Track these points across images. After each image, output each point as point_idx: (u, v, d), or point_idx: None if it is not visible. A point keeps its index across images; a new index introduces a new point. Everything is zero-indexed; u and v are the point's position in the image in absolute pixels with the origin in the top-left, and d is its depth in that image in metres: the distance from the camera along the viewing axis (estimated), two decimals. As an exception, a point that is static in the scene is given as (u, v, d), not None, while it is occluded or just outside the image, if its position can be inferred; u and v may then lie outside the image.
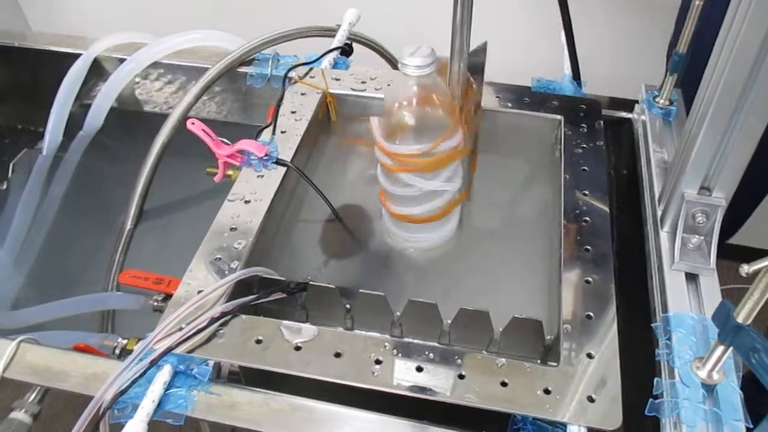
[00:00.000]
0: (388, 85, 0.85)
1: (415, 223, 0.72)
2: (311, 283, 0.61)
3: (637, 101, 0.84)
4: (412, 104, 0.64)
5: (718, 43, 0.54)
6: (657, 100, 0.80)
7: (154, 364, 0.55)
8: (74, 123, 0.99)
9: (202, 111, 1.01)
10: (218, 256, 0.64)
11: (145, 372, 0.54)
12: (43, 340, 0.63)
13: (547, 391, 0.53)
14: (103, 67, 1.00)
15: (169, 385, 0.55)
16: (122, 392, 0.54)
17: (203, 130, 0.73)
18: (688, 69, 0.74)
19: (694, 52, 0.72)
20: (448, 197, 0.70)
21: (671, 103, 0.79)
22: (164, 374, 0.55)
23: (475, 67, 0.72)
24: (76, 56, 0.98)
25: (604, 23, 1.13)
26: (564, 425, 0.51)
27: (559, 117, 0.80)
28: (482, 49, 0.72)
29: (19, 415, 0.63)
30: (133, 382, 0.54)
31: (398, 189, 0.68)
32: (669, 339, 0.55)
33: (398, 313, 0.59)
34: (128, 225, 0.85)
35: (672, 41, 0.93)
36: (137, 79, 1.00)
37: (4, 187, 0.96)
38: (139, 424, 0.52)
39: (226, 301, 0.59)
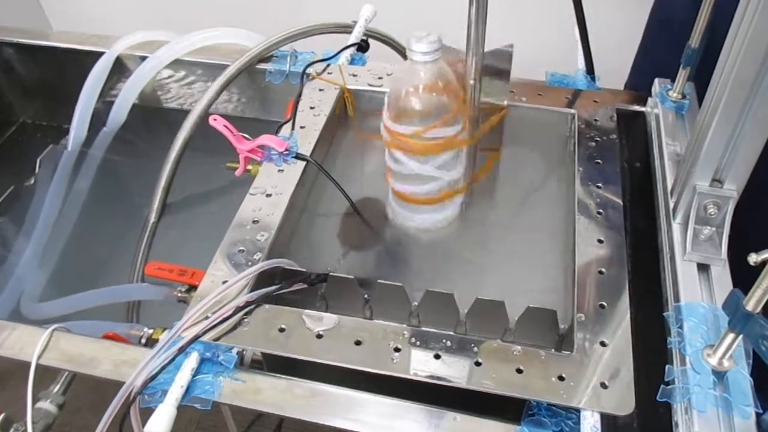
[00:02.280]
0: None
1: (411, 203, 0.74)
2: (331, 274, 0.62)
3: (650, 95, 0.85)
4: (418, 90, 0.66)
5: (729, 35, 0.55)
6: (670, 93, 0.80)
7: (183, 351, 0.57)
8: (98, 119, 1.02)
9: (222, 107, 1.03)
10: (241, 248, 0.66)
11: (173, 359, 0.57)
12: (73, 330, 0.65)
13: (561, 378, 0.54)
14: (126, 65, 1.02)
15: (197, 372, 0.57)
16: (152, 378, 0.56)
17: (225, 125, 0.75)
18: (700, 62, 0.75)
19: (707, 45, 0.72)
20: (441, 184, 0.72)
21: (684, 97, 0.80)
22: (192, 361, 0.57)
23: (501, 70, 0.73)
24: (100, 54, 1.01)
25: (617, 17, 1.14)
26: (578, 411, 0.53)
27: (572, 111, 0.81)
28: (508, 54, 0.73)
29: (45, 405, 0.65)
30: (163, 368, 0.56)
31: (394, 165, 0.71)
32: (681, 327, 0.57)
33: (416, 303, 0.61)
34: (152, 218, 0.87)
35: (646, 37, 0.94)
36: (159, 77, 1.03)
37: (32, 182, 0.99)
38: (168, 408, 0.54)
39: (249, 292, 0.62)
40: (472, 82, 0.69)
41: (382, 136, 0.70)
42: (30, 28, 1.09)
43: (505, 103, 0.80)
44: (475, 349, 0.57)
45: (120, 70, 1.03)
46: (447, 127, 0.67)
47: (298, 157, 0.76)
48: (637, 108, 0.86)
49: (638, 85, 0.93)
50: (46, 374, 0.64)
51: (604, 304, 0.60)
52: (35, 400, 0.65)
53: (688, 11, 0.80)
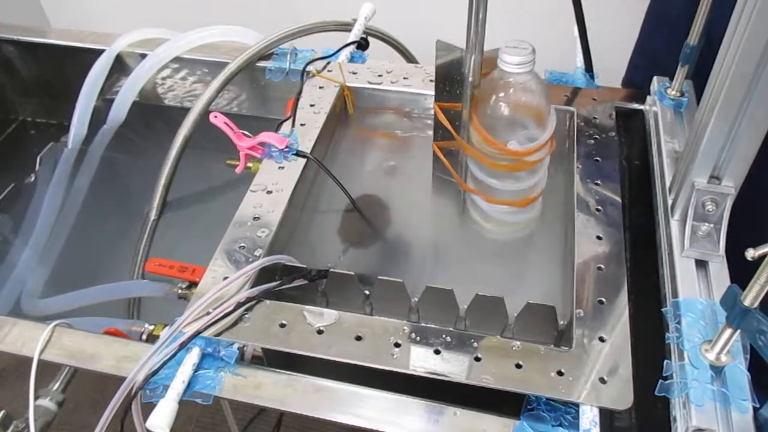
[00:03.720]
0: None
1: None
2: (331, 270, 0.63)
3: (648, 92, 0.85)
4: (509, 100, 0.67)
5: (728, 32, 0.55)
6: (668, 91, 0.81)
7: (184, 346, 0.57)
8: (98, 117, 1.02)
9: (222, 105, 1.03)
10: (242, 244, 0.66)
11: (175, 354, 0.57)
12: (74, 326, 0.66)
13: (560, 373, 0.54)
14: (126, 63, 1.03)
15: (198, 367, 0.58)
16: (153, 373, 0.56)
17: (225, 123, 0.75)
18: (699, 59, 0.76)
19: (705, 43, 0.73)
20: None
21: (682, 95, 0.80)
22: (193, 356, 0.57)
23: None
24: (100, 52, 1.01)
25: (616, 16, 1.14)
26: (577, 405, 0.53)
27: (572, 109, 0.82)
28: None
29: (45, 403, 0.66)
30: (164, 363, 0.57)
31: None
32: (679, 323, 0.57)
33: (416, 299, 0.61)
34: (152, 215, 0.87)
35: (642, 34, 0.94)
36: (159, 74, 1.03)
37: (32, 179, 0.99)
38: (170, 403, 0.54)
39: (250, 288, 0.62)
40: (471, 79, 0.69)
41: (502, 165, 0.70)
42: (30, 25, 1.09)
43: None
44: (475, 344, 0.57)
45: (120, 67, 1.03)
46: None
47: (299, 154, 0.76)
48: (635, 106, 0.86)
49: (634, 81, 0.94)
50: (46, 372, 0.64)
51: (603, 300, 0.60)
52: (35, 398, 0.65)
53: (683, 8, 0.81)
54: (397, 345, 0.57)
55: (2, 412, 0.67)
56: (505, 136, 0.68)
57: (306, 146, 0.77)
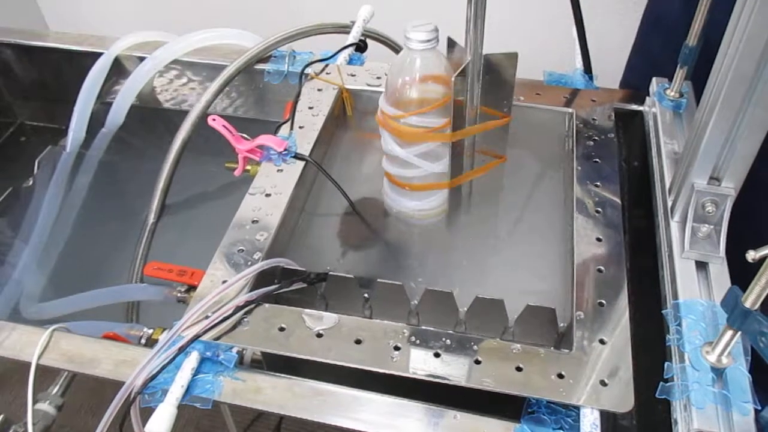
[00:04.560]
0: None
1: (397, 186, 0.76)
2: (330, 273, 0.63)
3: (647, 94, 0.85)
4: (414, 78, 0.68)
5: (727, 33, 0.55)
6: (667, 92, 0.81)
7: (183, 350, 0.57)
8: (96, 120, 1.02)
9: (221, 108, 1.03)
10: (240, 248, 0.66)
11: (173, 358, 0.57)
12: (72, 330, 0.65)
13: (560, 376, 0.54)
14: (124, 66, 1.03)
15: (197, 371, 0.57)
16: (152, 378, 0.56)
17: (224, 126, 0.75)
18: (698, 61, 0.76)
19: (704, 44, 0.73)
20: (424, 173, 0.73)
21: (681, 96, 0.80)
22: (192, 360, 0.57)
23: (505, 80, 0.73)
24: (98, 55, 1.01)
25: (615, 17, 1.14)
26: (577, 408, 0.53)
27: (570, 110, 0.82)
28: (513, 61, 0.73)
29: (44, 407, 0.65)
30: (163, 368, 0.56)
31: (384, 145, 0.74)
32: (679, 325, 0.57)
33: (415, 302, 0.61)
34: (151, 219, 0.87)
35: (640, 34, 0.94)
36: (157, 77, 1.03)
37: (30, 183, 0.99)
38: (169, 407, 0.54)
39: (249, 291, 0.62)
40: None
41: (377, 117, 0.73)
42: (28, 28, 1.09)
43: (506, 110, 0.79)
44: (475, 347, 0.57)
45: (118, 70, 1.03)
46: (432, 117, 0.69)
47: (297, 156, 0.76)
48: (634, 107, 0.86)
49: (632, 82, 0.94)
50: (45, 376, 0.64)
51: (603, 302, 0.60)
52: (33, 402, 0.65)
53: (680, 9, 0.81)
54: (396, 348, 0.57)
55: (1, 416, 0.67)
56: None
57: (305, 149, 0.77)
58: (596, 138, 0.77)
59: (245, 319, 0.60)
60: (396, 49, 1.06)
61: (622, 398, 0.53)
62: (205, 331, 0.58)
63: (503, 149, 0.81)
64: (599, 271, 0.63)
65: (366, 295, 0.63)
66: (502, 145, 0.81)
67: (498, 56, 0.71)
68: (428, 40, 0.66)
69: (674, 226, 0.66)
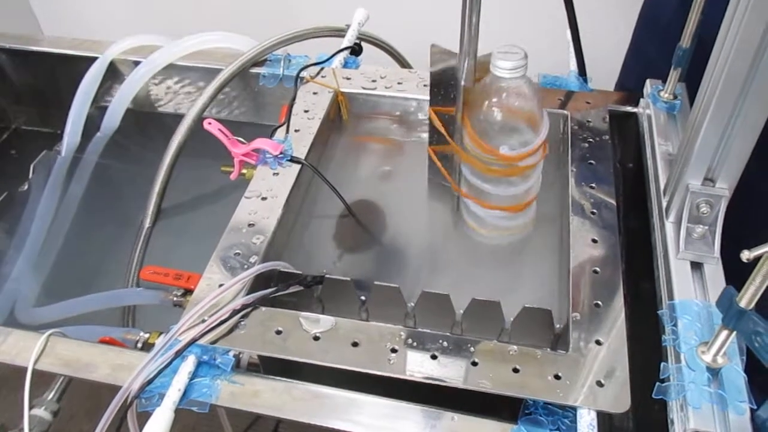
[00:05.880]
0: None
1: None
2: (327, 276, 0.63)
3: (642, 95, 0.86)
4: (502, 105, 0.66)
5: (720, 34, 0.55)
6: (661, 94, 0.81)
7: (179, 354, 0.57)
8: (91, 124, 1.02)
9: (216, 111, 1.03)
10: (237, 251, 0.66)
11: (170, 362, 0.57)
12: (68, 334, 0.65)
13: (557, 377, 0.54)
14: (119, 70, 1.03)
15: (194, 375, 0.57)
16: (149, 382, 0.56)
17: (220, 129, 0.75)
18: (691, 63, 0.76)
19: (697, 46, 0.73)
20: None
21: (675, 97, 0.80)
22: (189, 364, 0.57)
23: None
24: (93, 59, 1.00)
25: (609, 19, 1.15)
26: (574, 409, 0.53)
27: (565, 112, 0.82)
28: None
29: (39, 412, 0.65)
30: (159, 372, 0.56)
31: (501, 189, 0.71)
32: (675, 325, 0.57)
33: (412, 304, 0.61)
34: (147, 223, 0.87)
35: (635, 36, 0.94)
36: (152, 81, 1.03)
37: (25, 187, 0.99)
38: (166, 412, 0.54)
39: (246, 295, 0.62)
40: (464, 83, 0.69)
41: (496, 170, 0.69)
42: (22, 33, 1.08)
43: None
44: (472, 349, 0.57)
45: (113, 75, 1.03)
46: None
47: (293, 160, 0.76)
48: (629, 109, 0.86)
49: (627, 84, 0.94)
50: (40, 381, 0.64)
51: (599, 303, 0.60)
52: (29, 408, 0.65)
53: (675, 11, 0.81)
54: (393, 350, 0.57)
55: (-3, 422, 0.66)
56: (498, 141, 0.67)
57: (300, 152, 0.77)
58: (591, 140, 0.77)
59: (242, 323, 0.60)
60: (391, 52, 1.06)
61: (618, 399, 0.53)
62: (202, 335, 0.58)
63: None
64: (595, 272, 0.63)
65: (363, 297, 0.63)
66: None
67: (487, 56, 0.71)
68: (518, 68, 0.64)
69: (669, 226, 0.66)
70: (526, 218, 0.76)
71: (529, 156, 0.68)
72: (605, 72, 0.95)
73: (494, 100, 0.67)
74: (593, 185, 0.72)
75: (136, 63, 1.00)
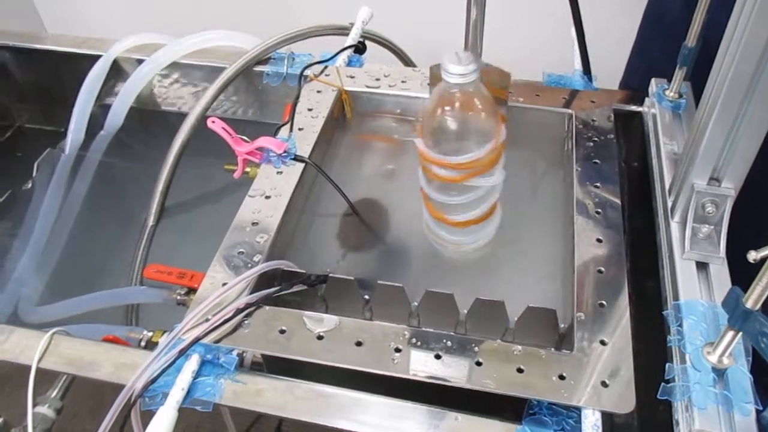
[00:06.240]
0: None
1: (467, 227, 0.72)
2: (331, 275, 0.62)
3: (647, 94, 0.85)
4: (455, 110, 0.64)
5: (726, 34, 0.55)
6: (666, 93, 0.81)
7: (183, 353, 0.57)
8: (95, 123, 1.02)
9: (219, 110, 1.03)
10: (240, 250, 0.66)
11: (174, 361, 0.57)
12: (72, 333, 0.65)
13: (561, 377, 0.54)
14: (123, 68, 1.03)
15: (198, 374, 0.57)
16: (153, 381, 0.56)
17: (223, 128, 0.75)
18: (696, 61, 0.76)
19: (703, 45, 0.73)
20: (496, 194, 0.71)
21: (681, 96, 0.80)
22: (192, 363, 0.57)
23: (496, 96, 0.73)
24: (96, 58, 1.01)
25: (614, 18, 1.14)
26: (579, 409, 0.53)
27: (570, 111, 0.82)
28: (506, 81, 0.72)
29: (43, 410, 0.65)
30: (163, 371, 0.56)
31: (455, 198, 0.69)
32: (680, 326, 0.57)
33: (416, 304, 0.61)
34: (150, 221, 0.87)
35: (640, 35, 0.94)
36: (156, 79, 1.03)
37: (29, 185, 0.99)
38: (169, 411, 0.54)
39: (249, 294, 0.62)
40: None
41: (445, 177, 0.67)
42: (26, 31, 1.08)
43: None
44: (476, 348, 0.57)
45: (117, 73, 1.03)
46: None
47: (297, 158, 0.76)
48: (634, 108, 0.86)
49: (632, 83, 0.94)
50: (44, 379, 0.64)
51: (604, 303, 0.60)
52: (33, 405, 0.65)
53: (680, 10, 0.81)
54: (397, 350, 0.57)
55: (1, 419, 0.66)
56: (450, 148, 0.66)
57: (304, 151, 0.77)
58: (596, 139, 0.77)
59: (246, 322, 0.59)
60: (395, 50, 1.06)
61: (623, 399, 0.53)
62: (206, 334, 0.58)
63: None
64: (599, 272, 0.63)
65: (366, 296, 0.63)
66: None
67: (493, 69, 0.70)
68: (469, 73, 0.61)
69: (674, 226, 0.66)
70: (490, 227, 0.75)
71: (473, 165, 0.65)
72: (610, 71, 0.95)
73: (447, 108, 0.64)
74: (598, 184, 0.72)
75: (140, 61, 1.00)
